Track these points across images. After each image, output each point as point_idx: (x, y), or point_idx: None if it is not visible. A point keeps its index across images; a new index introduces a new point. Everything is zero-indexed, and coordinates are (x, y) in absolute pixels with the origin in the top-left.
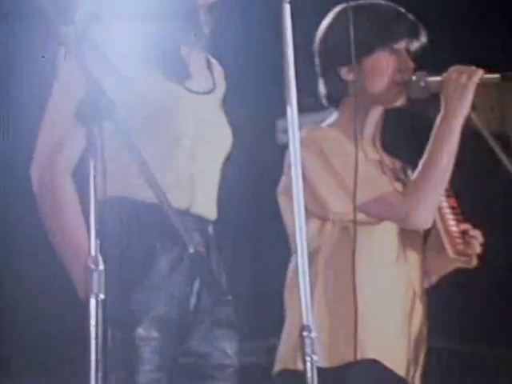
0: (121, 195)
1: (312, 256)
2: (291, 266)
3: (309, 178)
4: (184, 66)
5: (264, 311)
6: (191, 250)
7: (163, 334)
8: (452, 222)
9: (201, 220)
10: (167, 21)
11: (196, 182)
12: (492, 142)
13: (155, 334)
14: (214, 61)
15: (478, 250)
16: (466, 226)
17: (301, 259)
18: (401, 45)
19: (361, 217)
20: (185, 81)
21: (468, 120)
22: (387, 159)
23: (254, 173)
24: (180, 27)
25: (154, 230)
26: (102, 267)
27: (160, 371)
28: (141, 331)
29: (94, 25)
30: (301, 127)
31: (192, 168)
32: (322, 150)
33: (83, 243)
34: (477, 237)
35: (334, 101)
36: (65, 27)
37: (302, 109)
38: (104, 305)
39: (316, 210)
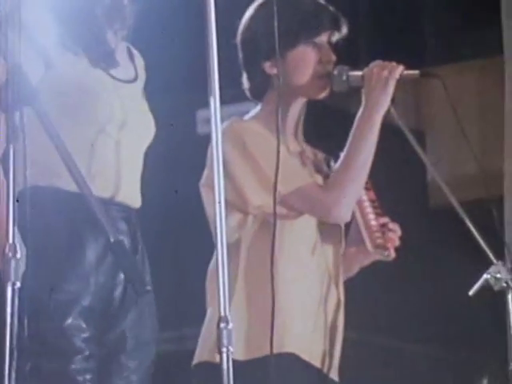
0: (46, 184)
1: (233, 248)
2: (213, 260)
3: (230, 171)
4: (110, 52)
5: (187, 302)
6: (112, 240)
7: (92, 323)
8: (371, 216)
9: (125, 208)
10: (94, 5)
11: (121, 170)
12: (410, 136)
13: (84, 324)
14: (135, 51)
15: (397, 243)
16: (384, 220)
17: (220, 251)
18: (323, 37)
19: (281, 210)
20: (111, 68)
21: (387, 114)
22: (309, 151)
23: (176, 163)
24: (106, 14)
25: (80, 219)
26: (19, 255)
27: (90, 360)
28: (70, 321)
29: (18, 8)
30: (223, 119)
31: (117, 156)
32: (244, 143)
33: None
34: (395, 230)
35: (258, 94)
36: None
37: (225, 100)
38: (23, 293)
39: (237, 203)
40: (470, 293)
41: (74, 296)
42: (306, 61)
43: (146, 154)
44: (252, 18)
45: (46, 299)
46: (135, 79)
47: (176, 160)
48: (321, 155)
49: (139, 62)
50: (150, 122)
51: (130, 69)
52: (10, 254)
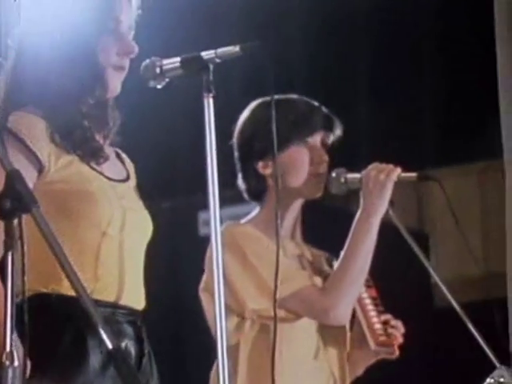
0: (49, 291)
1: (232, 352)
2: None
3: (227, 275)
4: (101, 149)
5: None
6: (109, 347)
7: None
8: (373, 313)
9: (130, 311)
10: (80, 105)
11: (124, 272)
12: (409, 238)
13: None
14: (123, 154)
15: (400, 340)
16: (386, 317)
17: (221, 359)
18: (315, 138)
19: (279, 313)
20: (102, 165)
21: (386, 216)
22: (308, 252)
23: (177, 263)
24: (92, 114)
25: (83, 325)
26: (16, 363)
27: None
28: None
29: (9, 115)
30: (224, 220)
31: (120, 257)
32: (241, 248)
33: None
34: (398, 327)
35: (255, 195)
36: None
37: (224, 201)
38: None
39: (234, 307)
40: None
41: None
42: (298, 161)
43: (146, 256)
44: (247, 119)
45: None
46: (127, 178)
47: (178, 261)
48: (323, 255)
49: (129, 165)
50: (147, 219)
51: (121, 169)
52: (8, 363)
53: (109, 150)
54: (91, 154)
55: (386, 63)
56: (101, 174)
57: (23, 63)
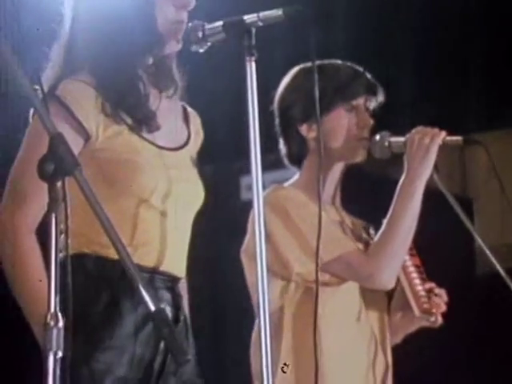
0: (90, 252)
1: (276, 316)
2: (256, 328)
3: (272, 239)
4: (152, 115)
5: (230, 372)
6: (152, 309)
7: None
8: (417, 281)
9: (170, 278)
10: (136, 66)
11: (166, 241)
12: (454, 204)
13: None
14: (190, 109)
15: (444, 308)
16: (430, 285)
17: (262, 321)
18: (359, 101)
19: (324, 277)
20: (154, 133)
21: (431, 181)
22: (347, 219)
23: (219, 229)
24: (152, 75)
25: (119, 287)
26: (61, 324)
27: None
28: None
29: (60, 83)
30: (265, 185)
31: (162, 226)
32: (286, 210)
33: (45, 300)
34: (442, 295)
35: (296, 160)
36: (32, 86)
37: (266, 166)
38: (63, 362)
39: (279, 271)
40: None
41: (108, 366)
42: (341, 124)
43: (194, 222)
44: (289, 85)
45: (83, 369)
46: (185, 144)
47: (220, 227)
48: (360, 223)
49: (195, 121)
50: (199, 189)
51: (183, 132)
52: (52, 323)
53: (175, 107)
54: (143, 122)
55: (430, 26)
56: (151, 143)
57: (78, 29)
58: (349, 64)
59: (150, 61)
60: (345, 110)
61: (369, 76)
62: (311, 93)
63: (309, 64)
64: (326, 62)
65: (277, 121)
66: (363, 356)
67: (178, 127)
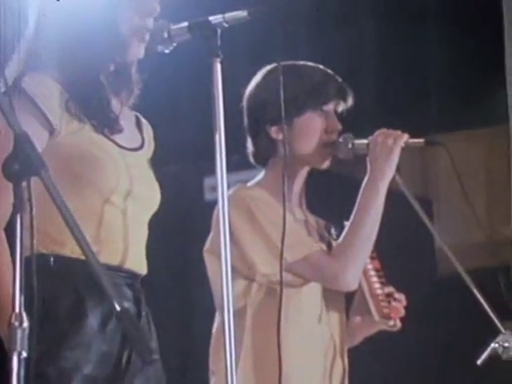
0: (49, 251)
1: (238, 315)
2: (216, 326)
3: (237, 238)
4: (114, 119)
5: (192, 368)
6: (118, 309)
7: None
8: (377, 285)
9: (132, 275)
10: (98, 73)
11: (128, 238)
12: (415, 205)
13: None
14: (143, 120)
15: (403, 313)
16: (390, 289)
17: (227, 319)
18: (329, 106)
19: (288, 278)
20: (115, 134)
21: (393, 182)
22: (311, 218)
23: (181, 229)
24: (111, 81)
25: (83, 285)
26: (25, 324)
27: None
28: None
29: (25, 76)
30: (229, 186)
31: (123, 224)
32: (251, 210)
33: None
34: (401, 300)
35: (262, 159)
36: None
37: (230, 167)
38: (27, 363)
39: (243, 271)
40: (478, 362)
41: (76, 364)
42: (312, 128)
43: (152, 222)
44: (259, 84)
45: (50, 368)
46: (141, 147)
47: (183, 226)
48: (322, 222)
49: (147, 130)
50: (156, 191)
51: (137, 137)
52: (17, 323)
53: (129, 115)
54: (105, 125)
55: (392, 29)
56: (112, 141)
57: (43, 28)
58: (321, 67)
59: (112, 67)
60: (316, 114)
61: (339, 80)
62: (284, 93)
63: (282, 63)
64: (299, 63)
65: (245, 119)
66: (321, 358)
67: (133, 132)
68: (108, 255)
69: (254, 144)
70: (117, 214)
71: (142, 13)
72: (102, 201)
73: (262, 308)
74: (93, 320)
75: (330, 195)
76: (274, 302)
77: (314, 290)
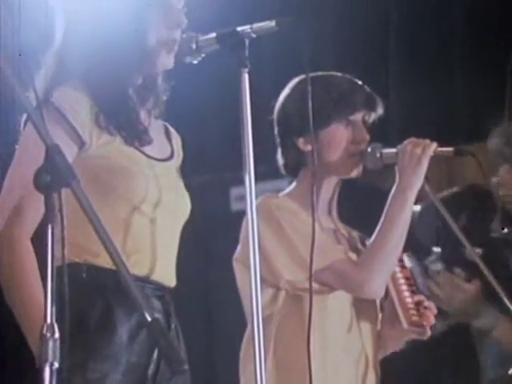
0: (82, 261)
1: (264, 324)
2: (246, 336)
3: (262, 246)
4: (144, 131)
5: (220, 380)
6: (149, 319)
7: None
8: (406, 294)
9: (160, 287)
10: (127, 86)
11: (156, 249)
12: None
13: None
14: (171, 129)
15: (433, 321)
16: (420, 297)
17: (256, 329)
18: (357, 116)
19: (313, 286)
20: (144, 146)
21: (422, 191)
22: (343, 229)
23: (209, 239)
24: (138, 94)
25: (112, 296)
26: (57, 335)
27: None
28: None
29: (54, 90)
30: (257, 196)
31: (152, 234)
32: (276, 219)
33: (42, 309)
34: (431, 308)
35: (292, 170)
36: (25, 93)
37: (258, 177)
38: (59, 373)
39: (269, 278)
40: (510, 372)
41: (103, 375)
42: (338, 139)
43: (182, 232)
44: (288, 96)
45: (78, 379)
46: (171, 157)
47: (210, 237)
48: (355, 234)
49: (176, 140)
50: (186, 200)
51: (166, 147)
52: (48, 334)
53: (157, 125)
54: (135, 137)
55: (421, 37)
56: (142, 152)
57: (71, 42)
58: (348, 77)
59: (140, 80)
60: (342, 125)
61: (368, 90)
62: (311, 105)
63: (310, 75)
64: (325, 73)
65: (276, 131)
66: (352, 368)
67: (163, 142)
68: (135, 266)
69: (284, 156)
70: (145, 223)
71: (169, 25)
72: (130, 211)
73: (288, 316)
74: (122, 331)
75: (363, 206)
76: (299, 310)
77: (342, 299)
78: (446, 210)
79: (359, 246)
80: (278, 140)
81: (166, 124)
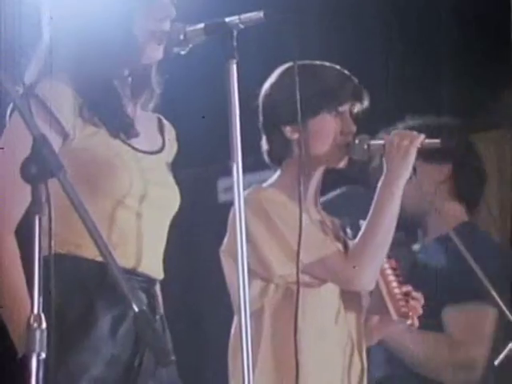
0: (65, 252)
1: (255, 316)
2: (234, 328)
3: (253, 239)
4: (130, 123)
5: (208, 372)
6: (136, 310)
7: None
8: (394, 284)
9: (147, 279)
10: (111, 78)
11: (143, 242)
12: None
13: None
14: (166, 121)
15: (421, 312)
16: (407, 288)
17: (244, 320)
18: (345, 107)
19: (304, 279)
20: (130, 138)
21: (409, 183)
22: (327, 219)
23: (196, 231)
24: (127, 85)
25: (95, 288)
26: (44, 326)
27: None
28: None
29: (41, 81)
30: (244, 187)
31: (138, 228)
32: (266, 211)
33: (24, 300)
34: (418, 299)
35: (277, 159)
36: (13, 84)
37: (244, 168)
38: (45, 364)
39: (260, 272)
40: (496, 362)
41: (86, 367)
42: (326, 130)
43: (170, 225)
44: (274, 83)
45: (59, 370)
46: (161, 150)
47: (197, 228)
48: (337, 222)
49: (170, 132)
50: (175, 193)
51: (157, 139)
52: (36, 325)
53: (150, 117)
54: (120, 129)
55: (408, 28)
56: (128, 145)
57: (58, 35)
58: (337, 67)
59: (126, 72)
60: (330, 115)
61: (355, 80)
62: (299, 94)
63: (298, 62)
64: (315, 63)
65: (260, 118)
66: (339, 358)
67: (153, 135)
68: (121, 258)
69: (269, 143)
70: (130, 217)
71: (158, 16)
72: (114, 204)
73: (280, 309)
74: (103, 323)
75: (346, 195)
76: (291, 303)
77: (331, 290)
78: None
79: (342, 234)
80: (262, 127)
81: (160, 116)
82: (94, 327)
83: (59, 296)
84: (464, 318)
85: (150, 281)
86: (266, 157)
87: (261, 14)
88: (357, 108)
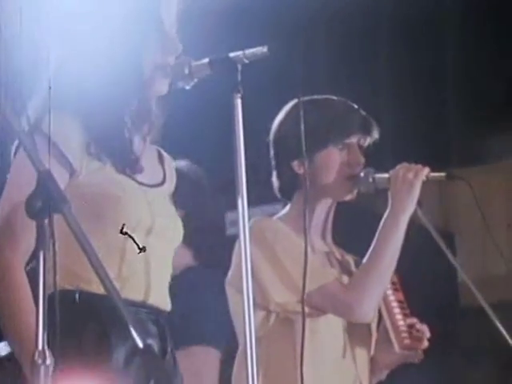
0: (74, 287)
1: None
2: (237, 358)
3: (253, 268)
4: (136, 160)
5: None
6: (140, 346)
7: None
8: (399, 317)
9: (156, 311)
10: (123, 113)
11: (150, 274)
12: (437, 238)
13: None
14: (164, 153)
15: (425, 344)
16: (412, 321)
17: (249, 352)
18: (352, 140)
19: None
20: (135, 174)
21: (414, 216)
22: (337, 252)
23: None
24: (133, 120)
25: (108, 321)
26: (48, 361)
27: None
28: None
29: (45, 116)
30: (250, 219)
31: (146, 260)
32: (268, 241)
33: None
34: (424, 331)
35: (287, 193)
36: (17, 119)
37: (251, 201)
38: None
39: (259, 301)
40: None
41: None
42: (333, 162)
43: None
44: (284, 119)
45: None
46: (162, 183)
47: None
48: (350, 257)
49: (169, 164)
50: (178, 224)
51: (159, 172)
52: (40, 361)
53: (150, 149)
54: (126, 165)
55: (413, 64)
56: (133, 179)
57: (65, 68)
58: (344, 100)
59: (135, 106)
60: (337, 148)
61: (363, 113)
62: (305, 128)
63: (305, 98)
64: (322, 96)
65: (271, 153)
66: None
67: (155, 168)
68: (131, 291)
69: (279, 178)
70: (138, 249)
71: (165, 50)
72: (123, 238)
73: (278, 339)
74: (118, 356)
75: (357, 229)
76: (289, 333)
77: (334, 323)
78: None
79: (353, 269)
80: (273, 162)
81: (159, 148)
82: (110, 360)
83: (72, 330)
84: None
85: (159, 313)
86: (277, 192)
87: (265, 48)
88: (366, 140)
